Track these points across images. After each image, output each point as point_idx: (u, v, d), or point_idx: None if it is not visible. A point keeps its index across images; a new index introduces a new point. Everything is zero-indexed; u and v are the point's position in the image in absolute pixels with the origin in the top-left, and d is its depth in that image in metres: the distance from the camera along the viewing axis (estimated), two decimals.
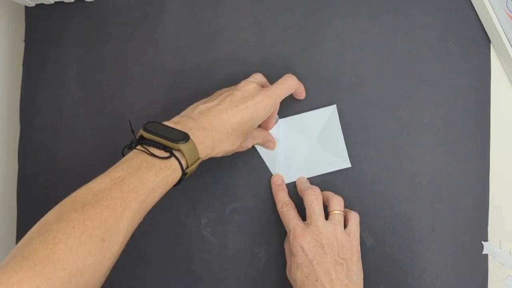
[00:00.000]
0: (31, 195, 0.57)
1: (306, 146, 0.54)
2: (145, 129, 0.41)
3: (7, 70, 0.59)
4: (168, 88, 0.57)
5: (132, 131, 0.43)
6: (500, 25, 0.51)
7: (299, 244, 0.45)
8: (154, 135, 0.41)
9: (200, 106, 0.45)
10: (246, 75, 0.55)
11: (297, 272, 0.45)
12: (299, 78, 0.54)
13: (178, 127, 0.42)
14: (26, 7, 0.59)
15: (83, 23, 0.58)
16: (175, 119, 0.44)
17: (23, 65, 0.58)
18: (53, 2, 0.57)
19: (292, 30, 0.55)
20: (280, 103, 0.55)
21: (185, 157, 0.41)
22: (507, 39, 0.51)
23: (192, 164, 0.41)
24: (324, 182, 0.54)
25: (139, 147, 0.41)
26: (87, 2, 0.58)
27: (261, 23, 0.56)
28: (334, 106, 0.54)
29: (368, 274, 0.53)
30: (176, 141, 0.40)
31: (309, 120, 0.54)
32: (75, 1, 0.58)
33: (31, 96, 0.58)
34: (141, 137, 0.42)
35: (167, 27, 0.57)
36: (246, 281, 0.54)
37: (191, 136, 0.41)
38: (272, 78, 0.55)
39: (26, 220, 0.57)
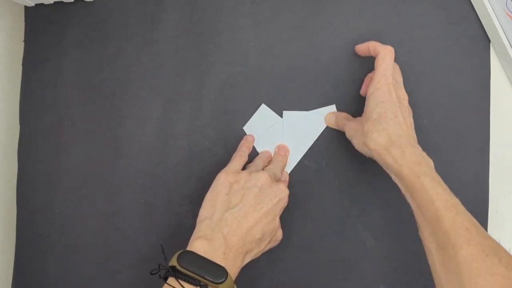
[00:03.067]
0: (31, 195, 0.57)
1: (306, 142, 0.54)
2: (180, 262, 0.40)
3: (7, 70, 0.59)
4: (168, 88, 0.57)
5: (165, 258, 0.42)
6: (500, 25, 0.51)
7: (388, 83, 0.47)
8: (191, 272, 0.40)
9: (226, 215, 0.44)
10: (246, 75, 0.56)
11: (376, 108, 0.46)
12: (299, 78, 0.55)
13: (211, 254, 0.41)
14: (26, 7, 0.59)
15: (83, 23, 0.58)
16: (205, 232, 0.43)
17: (22, 65, 0.58)
18: (52, 2, 0.57)
19: (292, 30, 0.55)
20: (280, 102, 0.55)
21: None
22: (507, 39, 0.51)
23: None
24: (323, 181, 0.54)
25: (172, 281, 0.40)
26: (87, 2, 0.58)
27: (261, 23, 0.56)
28: (333, 106, 0.54)
29: (368, 274, 0.53)
30: (216, 282, 0.39)
31: (310, 118, 0.54)
32: (75, 1, 0.58)
33: (31, 96, 0.58)
34: (174, 267, 0.40)
35: (167, 27, 0.57)
36: (246, 281, 0.54)
37: (225, 264, 0.41)
38: (272, 78, 0.55)
39: (26, 220, 0.57)
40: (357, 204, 0.53)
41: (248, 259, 0.45)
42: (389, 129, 0.45)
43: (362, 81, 0.54)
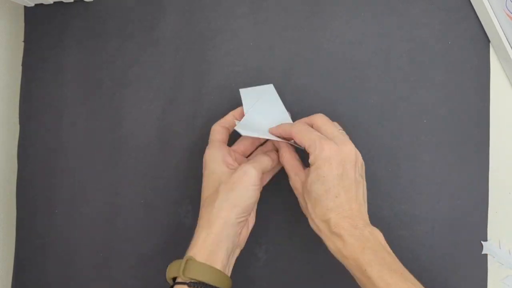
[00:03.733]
0: (31, 195, 0.57)
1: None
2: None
3: (7, 70, 0.59)
4: (168, 88, 0.57)
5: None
6: (500, 25, 0.51)
7: (327, 155, 0.42)
8: None
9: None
10: (246, 75, 0.56)
11: (317, 185, 0.43)
12: (299, 78, 0.55)
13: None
14: (25, 7, 0.59)
15: (82, 23, 0.58)
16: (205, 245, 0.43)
17: (22, 65, 0.58)
18: (52, 2, 0.57)
19: (292, 30, 0.55)
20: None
21: None
22: (507, 39, 0.51)
23: None
24: None
25: None
26: (86, 2, 0.58)
27: (261, 23, 0.56)
28: (271, 85, 0.53)
29: None
30: None
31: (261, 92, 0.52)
32: (74, 1, 0.58)
33: (31, 96, 0.58)
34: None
35: (167, 27, 0.57)
36: (246, 281, 0.54)
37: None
38: (272, 78, 0.55)
39: (26, 220, 0.57)
40: None
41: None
42: (329, 214, 0.42)
43: (363, 81, 0.54)
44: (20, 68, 0.58)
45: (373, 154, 0.53)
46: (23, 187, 0.58)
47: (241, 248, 0.48)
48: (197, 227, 0.45)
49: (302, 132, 0.45)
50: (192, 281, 0.41)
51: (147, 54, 0.57)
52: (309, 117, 0.47)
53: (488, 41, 0.54)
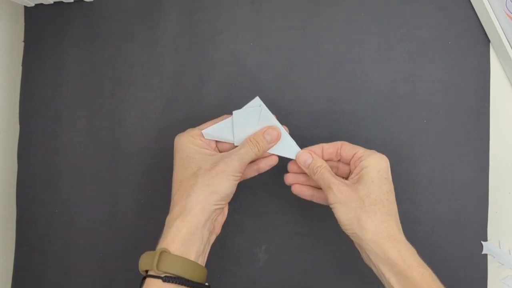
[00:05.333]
0: (31, 195, 0.57)
1: None
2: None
3: (7, 70, 0.59)
4: (168, 88, 0.57)
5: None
6: (500, 25, 0.51)
7: (384, 163, 0.43)
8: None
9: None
10: (246, 75, 0.56)
11: (379, 183, 0.42)
12: (299, 78, 0.54)
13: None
14: (25, 7, 0.59)
15: (83, 23, 0.58)
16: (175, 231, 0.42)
17: (22, 65, 0.58)
18: (52, 2, 0.57)
19: (292, 30, 0.55)
20: (280, 102, 0.55)
21: None
22: (507, 39, 0.51)
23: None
24: None
25: None
26: (86, 2, 0.58)
27: (261, 23, 0.56)
28: (257, 98, 0.48)
29: (368, 274, 0.53)
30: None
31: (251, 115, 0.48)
32: (74, 1, 0.58)
33: (31, 96, 0.58)
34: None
35: (167, 27, 0.57)
36: (246, 281, 0.54)
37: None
38: (272, 79, 0.55)
39: (26, 220, 0.57)
40: None
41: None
42: (393, 217, 0.41)
43: (362, 81, 0.54)
44: (20, 68, 0.58)
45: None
46: (23, 187, 0.58)
47: (217, 235, 0.46)
48: (170, 214, 0.43)
49: (351, 144, 0.45)
50: (167, 275, 0.39)
51: (147, 54, 0.57)
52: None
53: (488, 41, 0.54)
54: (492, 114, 0.53)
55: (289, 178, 0.48)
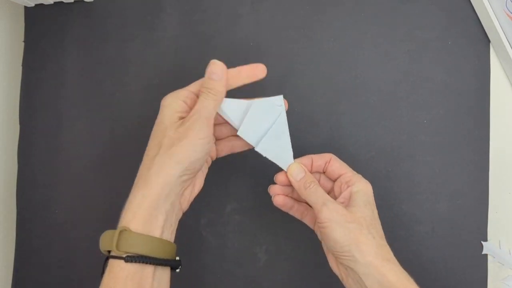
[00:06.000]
0: (31, 195, 0.57)
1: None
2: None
3: (7, 70, 0.59)
4: (168, 88, 0.56)
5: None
6: (500, 25, 0.51)
7: (369, 189, 0.43)
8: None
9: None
10: None
11: (368, 210, 0.41)
12: (299, 79, 0.54)
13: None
14: (25, 7, 0.59)
15: (83, 23, 0.58)
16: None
17: (22, 65, 0.58)
18: (52, 2, 0.57)
19: (292, 30, 0.55)
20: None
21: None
22: (507, 39, 0.51)
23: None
24: None
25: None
26: (87, 2, 0.58)
27: (261, 23, 0.56)
28: (281, 96, 0.46)
29: None
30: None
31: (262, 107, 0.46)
32: (74, 1, 0.58)
33: (31, 96, 0.58)
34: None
35: (167, 27, 0.57)
36: (246, 281, 0.54)
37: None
38: (272, 79, 0.55)
39: (26, 220, 0.57)
40: None
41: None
42: (385, 242, 0.41)
43: (362, 81, 0.54)
44: (20, 68, 0.58)
45: (373, 154, 0.53)
46: (23, 187, 0.58)
47: (184, 211, 0.43)
48: (133, 187, 0.40)
49: (339, 161, 0.45)
50: (129, 255, 0.37)
51: (147, 54, 0.57)
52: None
53: (488, 41, 0.54)
54: (492, 114, 0.53)
55: (276, 189, 0.46)
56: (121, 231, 0.38)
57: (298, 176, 0.44)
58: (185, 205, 0.43)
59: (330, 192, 0.46)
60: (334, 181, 0.45)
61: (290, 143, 0.45)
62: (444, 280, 0.52)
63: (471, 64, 0.54)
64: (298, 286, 0.54)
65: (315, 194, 0.42)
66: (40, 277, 0.56)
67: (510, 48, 0.51)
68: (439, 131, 0.53)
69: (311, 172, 0.45)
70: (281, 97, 0.45)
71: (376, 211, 0.43)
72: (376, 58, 0.54)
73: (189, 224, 0.55)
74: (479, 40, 0.54)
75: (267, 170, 0.55)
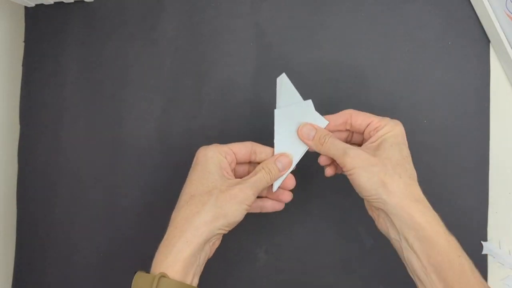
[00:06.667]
0: (31, 195, 0.57)
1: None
2: None
3: (7, 70, 0.59)
4: (167, 88, 0.57)
5: None
6: (500, 25, 0.51)
7: (400, 129, 0.42)
8: None
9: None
10: (246, 75, 0.56)
11: (396, 150, 0.41)
12: (299, 79, 0.54)
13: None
14: (25, 7, 0.59)
15: (83, 23, 0.58)
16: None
17: (23, 65, 0.58)
18: (52, 3, 0.57)
19: (292, 30, 0.55)
20: None
21: None
22: (507, 39, 0.51)
23: None
24: (323, 182, 0.54)
25: None
26: (87, 2, 0.58)
27: (261, 23, 0.56)
28: (310, 101, 0.47)
29: (368, 274, 0.53)
30: None
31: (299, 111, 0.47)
32: (75, 1, 0.58)
33: (31, 96, 0.58)
34: None
35: (167, 27, 0.57)
36: (246, 281, 0.54)
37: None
38: (272, 79, 0.55)
39: (26, 220, 0.57)
40: (357, 204, 0.53)
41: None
42: (415, 182, 0.40)
43: (363, 81, 0.54)
44: (20, 68, 0.58)
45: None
46: (23, 187, 0.58)
47: (209, 258, 0.44)
48: (174, 227, 0.41)
49: (362, 113, 0.44)
50: None
51: (147, 54, 0.57)
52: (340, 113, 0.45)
53: (488, 41, 0.54)
54: (492, 114, 0.53)
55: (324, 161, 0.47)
56: (160, 277, 0.38)
57: (309, 135, 0.44)
58: (211, 253, 0.44)
59: (362, 145, 0.45)
60: (363, 133, 0.45)
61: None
62: None
63: (471, 64, 0.54)
64: (298, 286, 0.54)
65: (333, 146, 0.43)
66: (40, 277, 0.56)
67: (510, 48, 0.51)
68: (439, 131, 0.53)
69: (332, 131, 0.45)
70: (309, 101, 0.47)
71: (405, 150, 0.42)
72: (376, 58, 0.54)
73: None
74: (479, 40, 0.54)
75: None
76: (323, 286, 0.53)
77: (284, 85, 0.46)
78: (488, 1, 0.51)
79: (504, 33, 0.51)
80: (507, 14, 0.49)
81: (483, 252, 0.52)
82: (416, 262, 0.39)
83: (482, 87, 0.53)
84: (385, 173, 0.40)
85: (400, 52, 0.54)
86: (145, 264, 0.55)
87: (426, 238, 0.38)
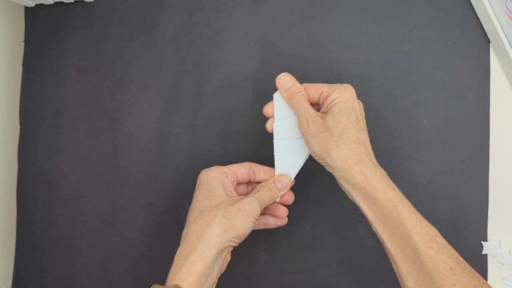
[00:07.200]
0: (31, 195, 0.57)
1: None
2: None
3: (7, 70, 0.59)
4: (167, 88, 0.57)
5: None
6: (500, 25, 0.51)
7: (349, 94, 0.44)
8: None
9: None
10: (246, 75, 0.56)
11: (346, 112, 0.43)
12: (299, 78, 0.54)
13: None
14: (25, 7, 0.59)
15: (83, 23, 0.58)
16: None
17: (23, 65, 0.58)
18: (52, 3, 0.57)
19: (292, 30, 0.55)
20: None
21: None
22: (507, 39, 0.51)
23: None
24: (323, 182, 0.54)
25: None
26: (87, 2, 0.58)
27: (261, 23, 0.56)
28: None
29: (368, 274, 0.53)
30: None
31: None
32: (75, 1, 0.58)
33: (31, 96, 0.58)
34: None
35: (167, 27, 0.57)
36: (246, 281, 0.54)
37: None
38: (272, 79, 0.55)
39: (26, 220, 0.57)
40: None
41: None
42: (361, 144, 0.42)
43: (363, 81, 0.54)
44: (20, 68, 0.58)
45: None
46: (23, 187, 0.58)
47: (222, 272, 0.45)
48: (186, 242, 0.41)
49: (314, 84, 0.46)
50: None
51: (147, 54, 0.57)
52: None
53: (488, 41, 0.54)
54: (492, 114, 0.53)
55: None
56: None
57: (286, 86, 0.46)
58: (224, 267, 0.45)
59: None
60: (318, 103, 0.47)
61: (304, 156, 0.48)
62: None
63: (471, 64, 0.54)
64: (298, 286, 0.54)
65: (299, 105, 0.45)
66: (40, 277, 0.56)
67: (510, 48, 0.51)
68: (439, 131, 0.53)
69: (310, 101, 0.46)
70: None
71: (353, 114, 0.43)
72: (376, 58, 0.54)
73: None
74: (479, 40, 0.54)
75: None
76: (323, 286, 0.53)
77: (280, 100, 0.48)
78: (488, 1, 0.51)
79: (504, 33, 0.51)
80: (507, 14, 0.49)
81: (483, 252, 0.52)
82: (367, 217, 0.42)
83: (482, 87, 0.53)
84: (330, 140, 0.42)
85: (400, 52, 0.54)
86: (145, 264, 0.55)
87: (366, 195, 0.41)
